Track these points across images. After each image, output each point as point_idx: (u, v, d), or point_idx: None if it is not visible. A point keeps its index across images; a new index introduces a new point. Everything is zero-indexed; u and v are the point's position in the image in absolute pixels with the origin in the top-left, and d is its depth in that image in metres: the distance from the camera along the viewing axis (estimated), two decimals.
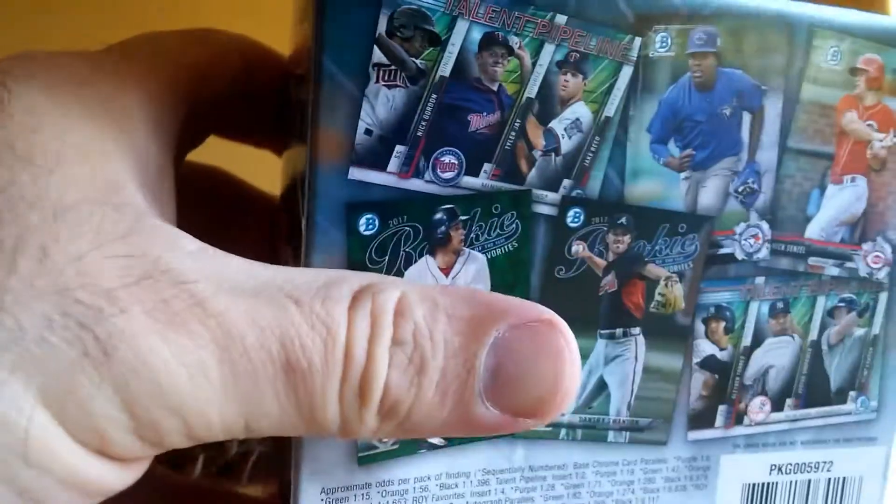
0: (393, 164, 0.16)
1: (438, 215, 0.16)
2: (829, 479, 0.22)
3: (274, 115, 0.21)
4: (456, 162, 0.16)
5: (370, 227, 0.16)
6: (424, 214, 0.16)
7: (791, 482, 0.21)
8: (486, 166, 0.16)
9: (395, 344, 0.14)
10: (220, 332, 0.13)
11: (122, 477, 0.14)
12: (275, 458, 0.19)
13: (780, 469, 0.21)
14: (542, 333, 0.15)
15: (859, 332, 0.21)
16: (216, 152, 0.22)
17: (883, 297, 0.21)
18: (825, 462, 0.22)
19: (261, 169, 0.23)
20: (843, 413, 0.21)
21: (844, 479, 0.22)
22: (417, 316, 0.14)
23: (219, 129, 0.21)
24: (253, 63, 0.20)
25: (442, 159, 0.16)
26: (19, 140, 0.13)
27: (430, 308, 0.14)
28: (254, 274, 0.14)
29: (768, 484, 0.21)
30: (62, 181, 0.13)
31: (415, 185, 0.16)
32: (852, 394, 0.21)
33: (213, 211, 0.23)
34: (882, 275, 0.21)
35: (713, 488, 0.21)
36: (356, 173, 0.15)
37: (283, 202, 0.21)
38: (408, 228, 0.16)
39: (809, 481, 0.22)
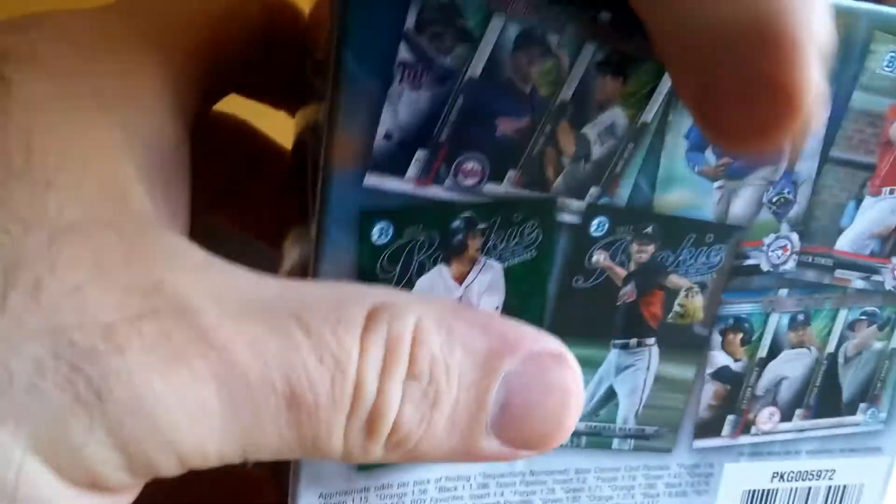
0: (412, 170, 0.15)
1: (456, 223, 0.16)
2: (830, 487, 0.22)
3: (291, 76, 0.20)
4: (479, 168, 0.16)
5: (384, 235, 0.15)
6: (441, 222, 0.16)
7: (791, 489, 0.22)
8: (511, 173, 0.16)
9: (410, 377, 0.14)
10: (221, 367, 0.13)
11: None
12: (273, 462, 0.19)
13: (782, 476, 0.22)
14: (551, 369, 0.15)
15: (878, 345, 0.21)
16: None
17: None
18: (827, 470, 0.22)
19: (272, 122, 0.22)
20: (851, 424, 0.22)
21: (845, 486, 0.22)
22: (435, 347, 0.14)
23: (237, 87, 0.20)
24: (272, 18, 0.19)
25: (465, 165, 0.15)
26: (16, 148, 0.13)
27: (446, 338, 0.14)
28: (261, 289, 0.14)
29: (768, 490, 0.22)
30: (61, 196, 0.13)
31: (433, 192, 0.15)
32: (863, 405, 0.22)
33: (233, 162, 0.22)
34: None
35: (714, 494, 0.21)
36: (372, 180, 0.15)
37: (292, 162, 0.21)
38: (423, 237, 0.16)
39: (810, 489, 0.22)
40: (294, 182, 0.18)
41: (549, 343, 0.16)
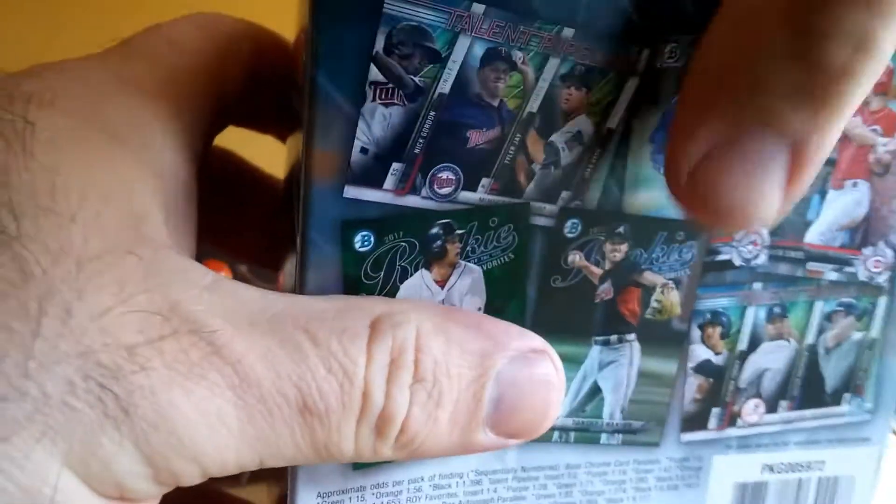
0: (389, 181, 0.16)
1: (434, 230, 0.17)
2: (820, 479, 0.23)
3: (279, 101, 0.21)
4: (454, 177, 0.17)
5: (366, 243, 0.17)
6: (420, 229, 0.17)
7: (782, 481, 0.23)
8: (485, 181, 0.17)
9: (416, 381, 0.15)
10: (237, 380, 0.14)
11: None
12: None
13: (771, 468, 0.23)
14: (536, 364, 0.17)
15: (857, 335, 0.22)
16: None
17: (882, 301, 0.22)
18: (817, 462, 0.23)
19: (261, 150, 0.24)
20: (836, 414, 0.23)
21: (836, 478, 0.23)
22: (436, 351, 0.16)
23: (232, 119, 0.21)
24: (263, 53, 0.20)
25: (439, 175, 0.17)
26: (42, 185, 0.14)
27: (444, 342, 0.16)
28: (268, 305, 0.15)
29: (760, 483, 0.23)
30: (85, 228, 0.14)
31: (411, 201, 0.17)
32: (847, 395, 0.23)
33: (224, 195, 0.23)
34: (882, 279, 0.22)
35: (705, 487, 0.22)
36: (351, 192, 0.16)
37: (284, 189, 0.22)
38: (403, 244, 0.17)
39: (800, 480, 0.23)
40: (287, 207, 0.20)
41: (534, 340, 0.17)
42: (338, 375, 0.15)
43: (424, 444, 0.16)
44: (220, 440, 0.14)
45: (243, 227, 0.24)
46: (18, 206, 0.14)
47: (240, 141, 0.23)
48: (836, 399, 0.23)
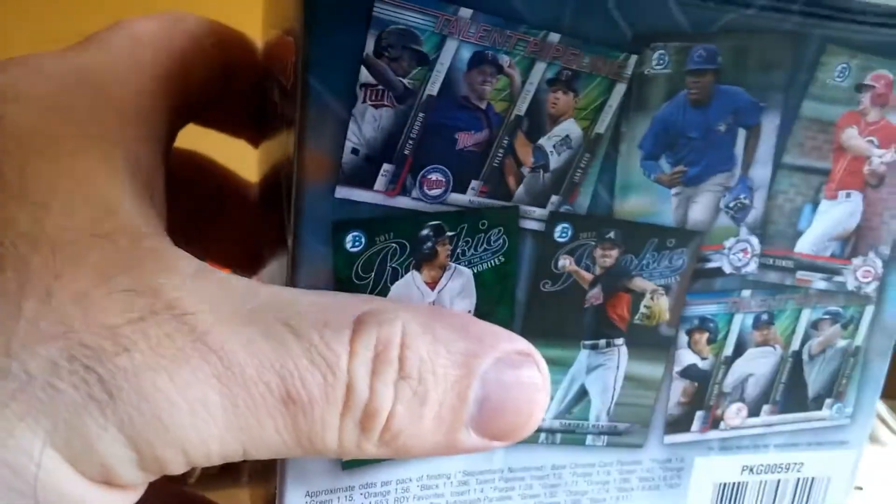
0: (380, 182, 0.16)
1: (425, 231, 0.16)
2: (798, 479, 0.23)
3: (250, 106, 0.20)
4: (443, 179, 0.16)
5: (357, 244, 0.16)
6: (411, 231, 0.16)
7: (761, 482, 0.22)
8: (474, 183, 0.16)
9: (401, 378, 0.15)
10: (220, 367, 0.13)
11: (124, 500, 0.14)
12: (263, 464, 0.19)
13: (751, 469, 0.22)
14: (521, 366, 0.16)
15: (842, 343, 0.21)
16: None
17: (869, 310, 0.21)
18: (796, 463, 0.22)
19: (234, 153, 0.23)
20: (817, 419, 0.22)
21: (813, 479, 0.23)
22: (422, 350, 0.15)
23: (197, 119, 0.21)
24: (227, 50, 0.20)
25: (429, 177, 0.16)
26: (11, 175, 0.13)
27: (430, 340, 0.15)
28: (252, 295, 0.14)
29: (739, 483, 0.22)
30: (58, 215, 0.13)
31: (401, 202, 0.16)
32: (828, 401, 0.22)
33: (196, 198, 0.23)
34: (870, 289, 0.21)
35: (685, 487, 0.22)
36: (343, 192, 0.15)
37: (263, 193, 0.21)
38: (394, 245, 0.16)
39: (779, 481, 0.22)
40: (264, 211, 0.19)
41: (520, 343, 0.17)
42: (321, 367, 0.14)
43: (408, 442, 0.15)
44: (203, 428, 0.13)
45: (217, 232, 0.24)
46: None
47: (212, 146, 0.23)
48: (818, 404, 0.22)
